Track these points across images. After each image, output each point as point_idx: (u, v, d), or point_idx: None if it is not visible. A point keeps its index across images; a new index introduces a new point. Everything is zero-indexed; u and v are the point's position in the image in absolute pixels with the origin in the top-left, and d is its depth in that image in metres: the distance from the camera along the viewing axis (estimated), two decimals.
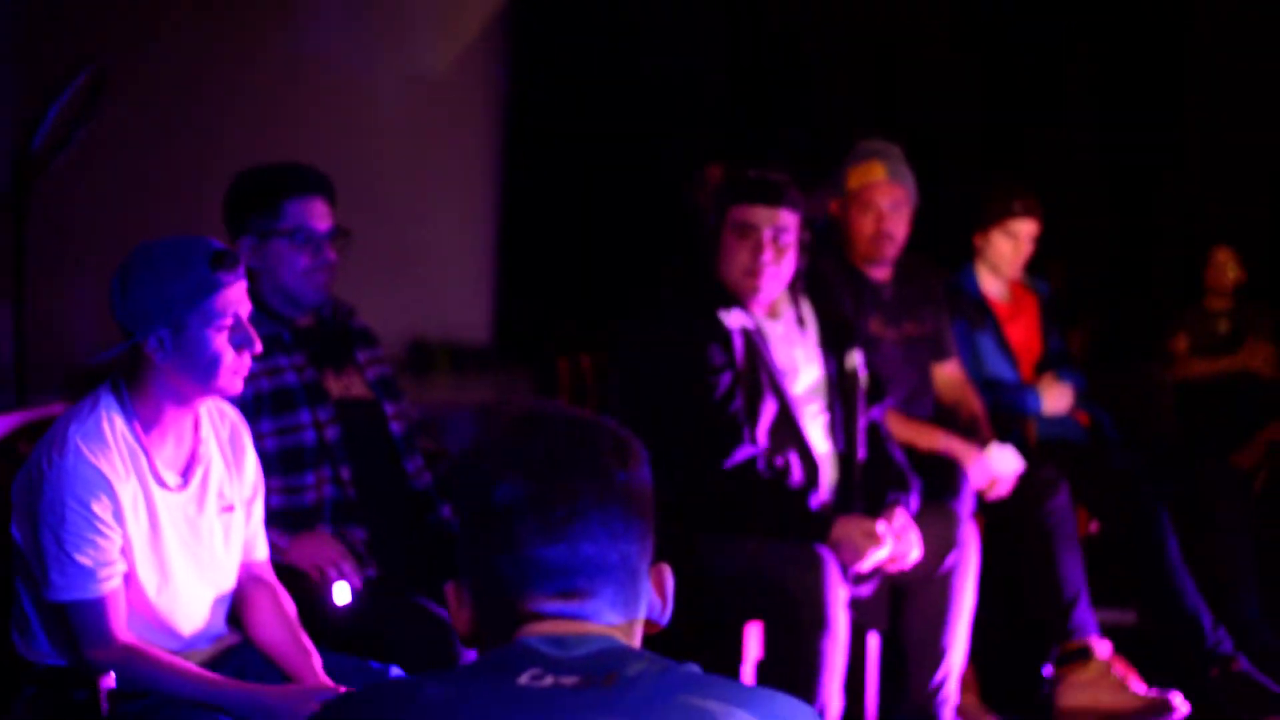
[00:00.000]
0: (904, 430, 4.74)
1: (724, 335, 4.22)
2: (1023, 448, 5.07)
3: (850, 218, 4.89)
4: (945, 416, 5.05)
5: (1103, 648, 4.88)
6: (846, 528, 4.13)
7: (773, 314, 4.37)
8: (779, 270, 4.28)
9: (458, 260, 7.14)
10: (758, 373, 4.23)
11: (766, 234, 4.25)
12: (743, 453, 4.13)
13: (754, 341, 4.25)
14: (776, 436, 4.22)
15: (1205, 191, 7.70)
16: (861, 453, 4.34)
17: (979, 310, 5.30)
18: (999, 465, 4.83)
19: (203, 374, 3.16)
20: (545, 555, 1.95)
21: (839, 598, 4.04)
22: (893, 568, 4.21)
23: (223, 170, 6.32)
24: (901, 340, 4.94)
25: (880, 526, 4.15)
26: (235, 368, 3.19)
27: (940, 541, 4.36)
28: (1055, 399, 5.31)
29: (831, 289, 4.76)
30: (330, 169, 6.57)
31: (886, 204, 4.85)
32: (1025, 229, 5.25)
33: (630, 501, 2.00)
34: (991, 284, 5.35)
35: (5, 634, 3.23)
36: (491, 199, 7.22)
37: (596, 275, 6.68)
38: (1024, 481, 4.94)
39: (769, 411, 4.22)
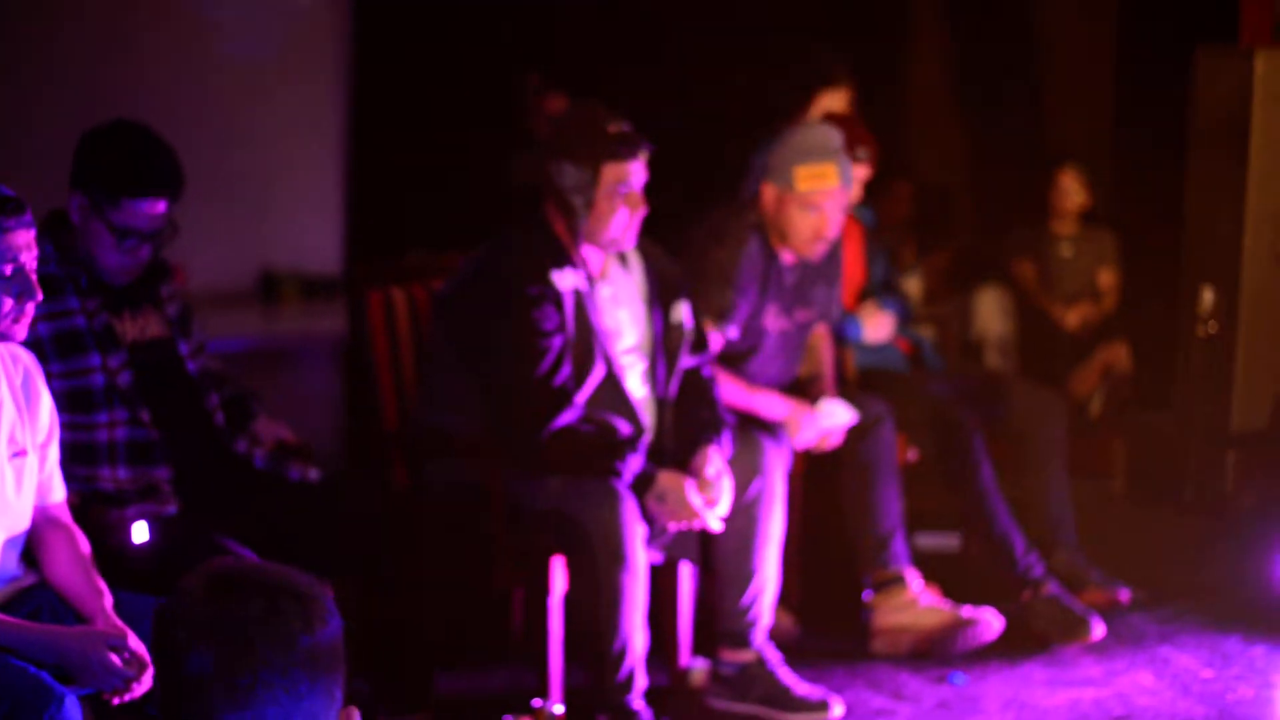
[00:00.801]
0: (734, 393, 4.81)
1: (556, 296, 4.24)
2: (842, 378, 5.18)
3: (789, 214, 4.80)
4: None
5: (914, 577, 5.01)
6: (675, 480, 4.22)
7: (601, 273, 4.39)
8: (638, 221, 4.33)
9: (306, 188, 7.12)
10: (586, 336, 4.26)
11: (636, 188, 4.28)
12: (565, 418, 4.18)
13: (584, 305, 4.28)
14: (599, 397, 4.28)
15: (1048, 111, 7.80)
16: (672, 391, 4.41)
17: None
18: (829, 420, 4.91)
19: None
20: None
21: (636, 533, 4.12)
22: (699, 521, 4.27)
23: (55, 100, 6.33)
24: (787, 330, 4.97)
25: (709, 473, 4.25)
26: (15, 315, 3.20)
27: (745, 468, 4.45)
28: (876, 327, 5.40)
29: (740, 278, 4.78)
30: (172, 98, 6.61)
31: (833, 210, 4.81)
32: (861, 173, 5.28)
33: (315, 663, 2.18)
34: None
35: None
36: (340, 125, 7.21)
37: (447, 203, 6.69)
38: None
39: (595, 376, 4.27)
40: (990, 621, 4.88)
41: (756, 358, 4.92)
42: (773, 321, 4.92)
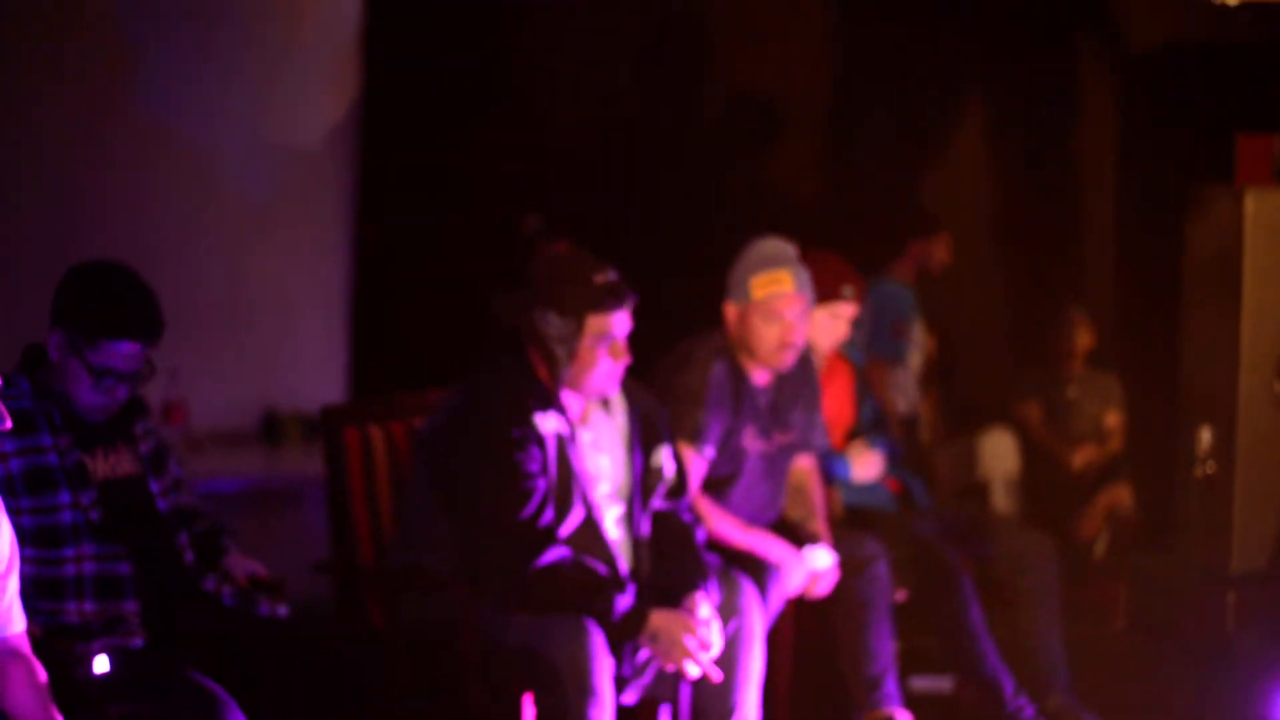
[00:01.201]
0: (722, 527, 4.80)
1: (539, 439, 4.23)
2: (830, 518, 5.17)
3: (752, 326, 4.84)
4: (790, 497, 5.13)
5: (905, 718, 4.96)
6: (667, 620, 4.19)
7: (584, 418, 4.39)
8: (621, 369, 4.34)
9: (310, 329, 7.18)
10: (566, 480, 4.26)
11: (620, 338, 4.29)
12: (551, 555, 4.17)
13: (565, 449, 4.27)
14: (577, 538, 4.26)
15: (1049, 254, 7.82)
16: (644, 527, 4.40)
17: None
18: (816, 563, 4.89)
19: None
20: None
21: (604, 667, 4.08)
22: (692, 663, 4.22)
23: (65, 236, 6.41)
24: (767, 453, 4.98)
25: (702, 616, 4.21)
26: None
27: (724, 607, 4.41)
28: (864, 466, 5.39)
29: (710, 402, 4.80)
30: (176, 237, 6.68)
31: (793, 315, 4.83)
32: (848, 311, 5.30)
33: None
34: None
35: None
36: (345, 265, 7.28)
37: (451, 343, 6.73)
38: (846, 547, 5.02)
39: (574, 518, 4.26)
40: None
41: (739, 483, 4.91)
42: (751, 443, 4.91)
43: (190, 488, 4.10)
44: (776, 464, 5.02)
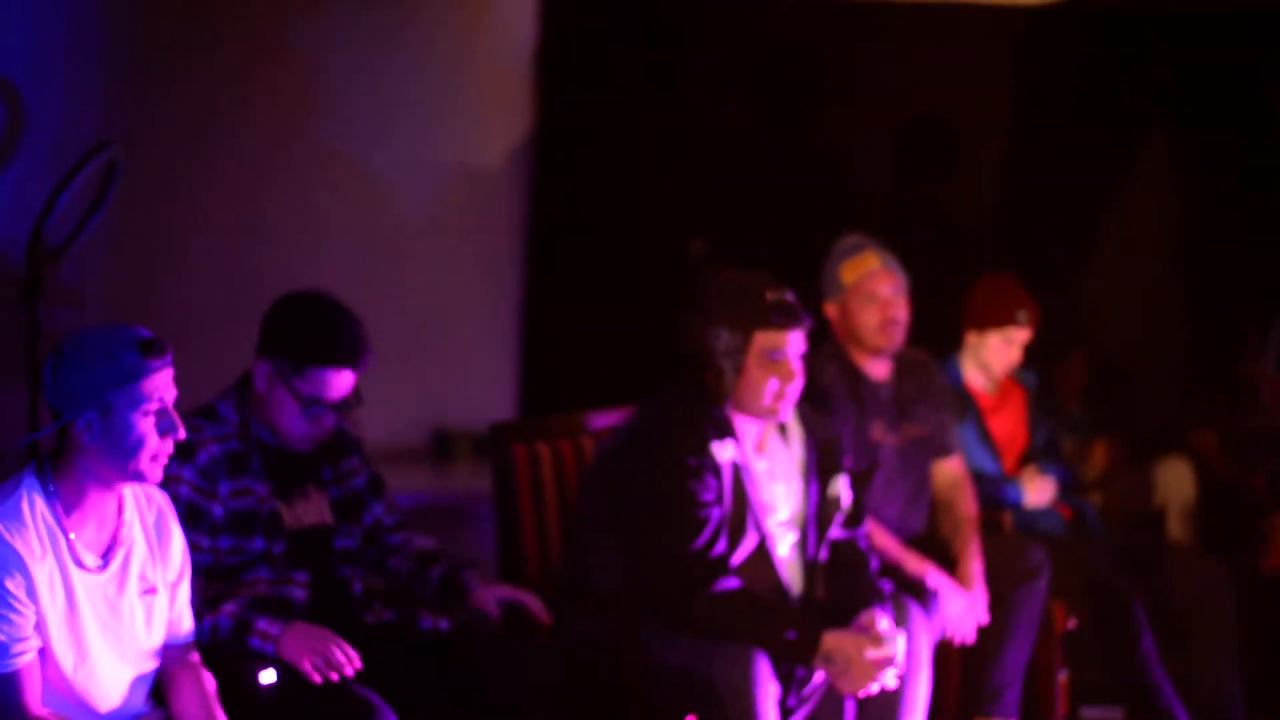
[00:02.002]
0: (893, 551, 4.79)
1: (715, 468, 4.23)
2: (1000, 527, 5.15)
3: (852, 312, 4.94)
4: (941, 512, 5.08)
5: None
6: (841, 640, 4.16)
7: (760, 446, 4.37)
8: (797, 392, 4.32)
9: (481, 349, 7.25)
10: (741, 510, 4.25)
11: (793, 358, 4.27)
12: (722, 585, 4.16)
13: (741, 478, 4.26)
14: (749, 563, 4.26)
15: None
16: (822, 556, 4.37)
17: (962, 402, 5.33)
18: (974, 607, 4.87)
19: (126, 457, 3.28)
20: None
21: (768, 693, 4.06)
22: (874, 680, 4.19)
23: (237, 258, 6.53)
24: (901, 445, 4.96)
25: (882, 629, 4.18)
26: (157, 453, 3.30)
27: None
28: (1037, 491, 5.33)
29: (833, 402, 4.79)
30: (353, 258, 6.77)
31: (888, 291, 4.91)
32: (1022, 337, 5.31)
33: None
34: (977, 376, 5.38)
35: None
36: (515, 288, 7.34)
37: (622, 363, 6.75)
38: (1008, 557, 4.98)
39: (747, 545, 4.26)
40: None
41: (878, 478, 4.87)
42: (882, 436, 4.93)
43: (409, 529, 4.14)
44: (911, 459, 5.01)
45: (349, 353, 3.83)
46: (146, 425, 3.28)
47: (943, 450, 5.11)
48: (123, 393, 3.26)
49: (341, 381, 3.83)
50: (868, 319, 4.92)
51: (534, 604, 4.07)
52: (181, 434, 3.34)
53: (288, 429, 3.86)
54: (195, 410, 3.87)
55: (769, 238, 6.83)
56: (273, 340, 3.86)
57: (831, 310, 4.98)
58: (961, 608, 4.80)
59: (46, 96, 6.08)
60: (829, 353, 4.95)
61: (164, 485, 3.58)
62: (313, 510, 3.96)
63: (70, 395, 3.28)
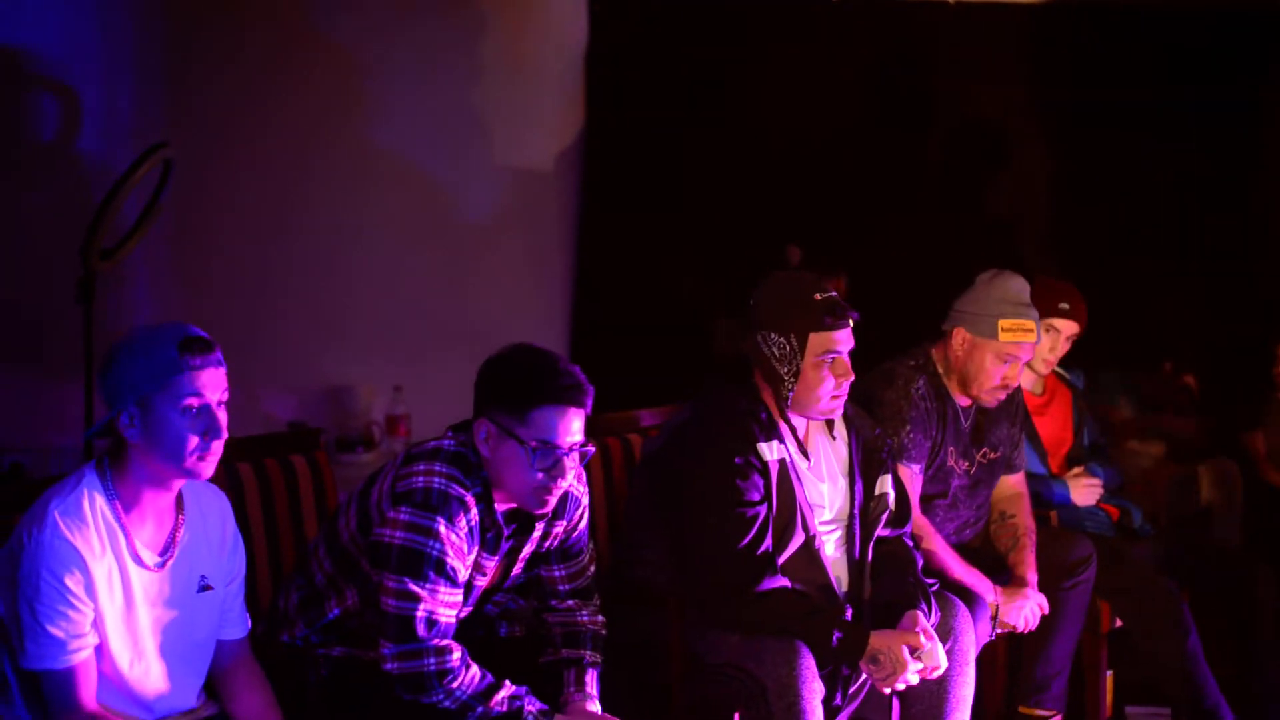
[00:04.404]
0: (942, 555, 4.80)
1: (762, 467, 4.25)
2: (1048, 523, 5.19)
3: (981, 361, 4.83)
4: (995, 521, 5.10)
5: None
6: (887, 640, 4.18)
7: (806, 444, 4.39)
8: (846, 389, 4.33)
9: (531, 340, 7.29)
10: (788, 508, 4.27)
11: (845, 356, 4.29)
12: (768, 583, 4.19)
13: (788, 477, 4.28)
14: (795, 561, 4.28)
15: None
16: (868, 556, 4.40)
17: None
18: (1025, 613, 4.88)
19: (169, 455, 3.30)
20: None
21: (814, 690, 4.09)
22: (921, 677, 4.22)
23: (289, 257, 6.59)
24: (971, 473, 4.97)
25: (920, 637, 4.18)
26: (200, 451, 3.32)
27: (939, 629, 4.39)
28: (1083, 491, 5.33)
29: (911, 412, 4.80)
30: (401, 258, 6.83)
31: (1024, 360, 4.86)
32: (1067, 329, 5.29)
33: None
34: (1024, 376, 5.37)
35: None
36: (564, 287, 7.38)
37: (665, 364, 6.79)
38: (1056, 550, 5.01)
39: (794, 544, 4.28)
40: None
41: (943, 502, 4.90)
42: (955, 463, 4.91)
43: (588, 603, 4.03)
44: (980, 484, 5.00)
45: (570, 391, 3.65)
46: (185, 424, 3.29)
47: (1010, 469, 5.11)
48: (159, 389, 3.28)
49: (567, 423, 3.66)
50: (991, 375, 4.83)
51: None
52: (224, 434, 3.34)
53: (520, 488, 3.69)
54: (450, 458, 3.69)
55: (828, 240, 6.86)
56: (489, 396, 3.69)
57: (962, 339, 4.86)
58: (1020, 601, 4.81)
59: (101, 99, 6.16)
60: (919, 365, 4.89)
61: (423, 538, 3.56)
62: (498, 573, 3.88)
63: (114, 390, 3.31)
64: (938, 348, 4.92)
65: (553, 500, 3.72)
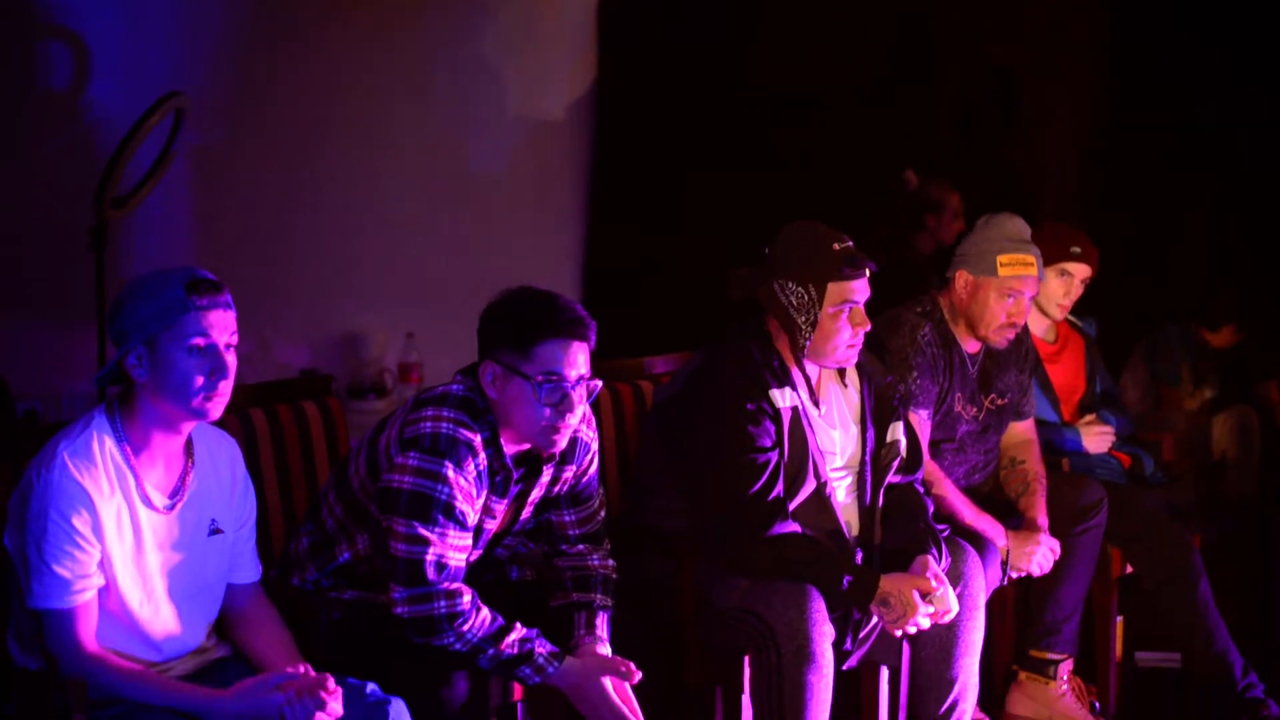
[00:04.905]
0: (952, 500, 4.80)
1: (774, 414, 4.26)
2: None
3: (984, 299, 4.84)
4: (1005, 467, 5.10)
5: (1067, 670, 5.04)
6: (897, 584, 4.19)
7: (817, 392, 4.39)
8: (861, 338, 4.34)
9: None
10: (799, 455, 4.28)
11: (860, 306, 4.30)
12: (779, 529, 4.20)
13: (799, 424, 4.28)
14: (806, 507, 4.29)
15: None
16: (879, 499, 4.41)
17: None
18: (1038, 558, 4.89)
19: (175, 394, 3.31)
20: None
21: (824, 633, 4.10)
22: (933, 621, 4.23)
23: (302, 205, 6.60)
24: (978, 419, 4.97)
25: (930, 581, 4.19)
26: (207, 392, 3.33)
27: (950, 574, 4.39)
28: (1095, 439, 5.33)
29: (917, 358, 4.80)
30: (414, 208, 6.83)
31: (1028, 296, 4.87)
32: (1080, 272, 5.28)
33: None
34: (1036, 322, 5.36)
35: (5, 641, 3.44)
36: (577, 237, 7.39)
37: (677, 312, 6.80)
38: (1067, 494, 5.03)
39: (805, 491, 4.29)
40: None
41: (951, 446, 4.92)
42: (962, 409, 4.91)
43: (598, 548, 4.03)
44: (988, 430, 5.01)
45: (572, 324, 3.65)
46: (191, 364, 3.30)
47: (1019, 415, 5.12)
48: (165, 329, 3.29)
49: (571, 356, 3.66)
50: (996, 313, 4.84)
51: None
52: (230, 375, 3.34)
53: (528, 427, 3.69)
54: (458, 402, 3.69)
55: (844, 187, 6.85)
56: (492, 339, 3.70)
57: (964, 281, 4.87)
58: (1032, 547, 4.83)
59: (115, 47, 6.15)
60: (925, 311, 4.90)
61: (431, 482, 3.58)
62: (508, 517, 3.89)
63: (123, 331, 3.33)
64: (944, 294, 4.93)
65: (561, 439, 3.73)
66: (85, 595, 3.28)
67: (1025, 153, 7.62)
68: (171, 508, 3.41)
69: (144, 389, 3.33)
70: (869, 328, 4.31)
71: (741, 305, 4.44)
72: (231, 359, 3.36)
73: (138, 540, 3.36)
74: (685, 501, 4.32)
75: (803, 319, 4.27)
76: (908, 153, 7.26)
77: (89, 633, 3.29)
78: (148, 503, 3.37)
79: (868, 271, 4.28)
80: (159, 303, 3.29)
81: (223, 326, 3.34)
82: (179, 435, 3.42)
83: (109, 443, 3.34)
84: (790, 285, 4.28)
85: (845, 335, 4.28)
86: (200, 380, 3.32)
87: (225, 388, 3.36)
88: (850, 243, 4.30)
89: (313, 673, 3.36)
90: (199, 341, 3.30)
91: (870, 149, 7.28)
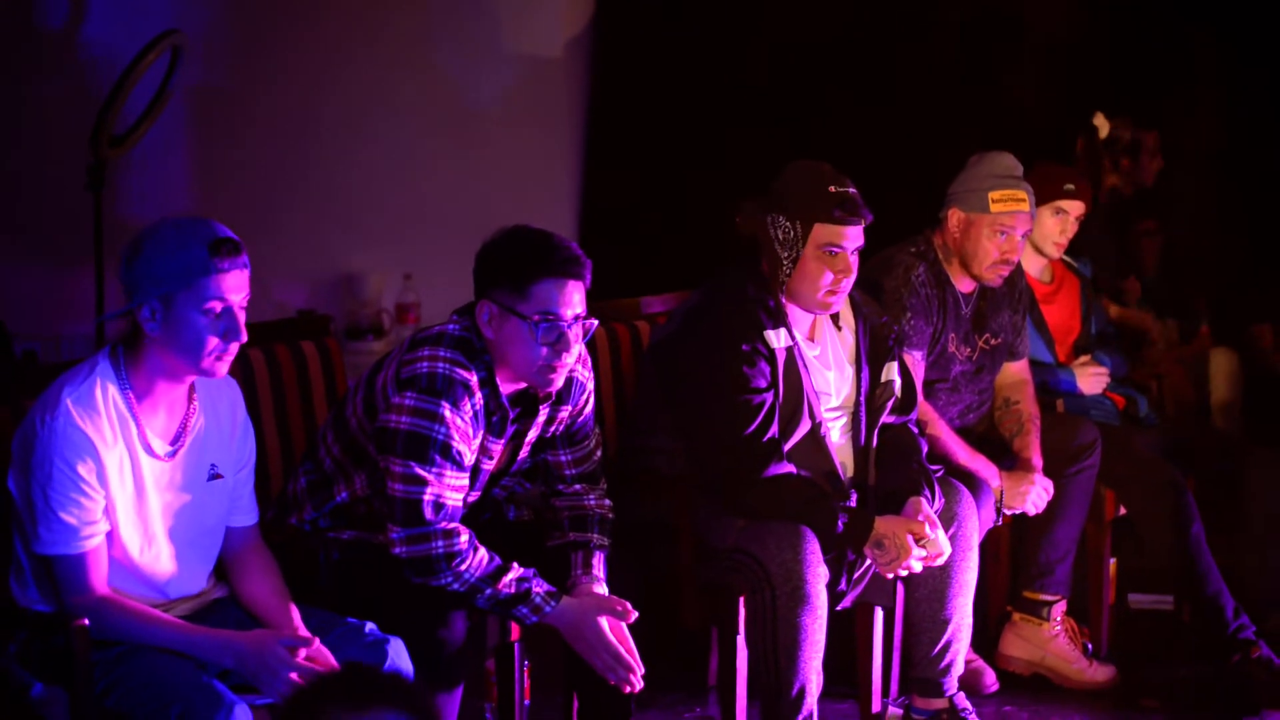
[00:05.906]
0: (946, 441, 4.83)
1: (769, 354, 4.27)
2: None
3: (976, 236, 4.86)
4: (999, 408, 5.12)
5: (1060, 611, 5.08)
6: (891, 526, 4.21)
7: (812, 332, 4.41)
8: (848, 287, 4.34)
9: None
10: (794, 396, 4.29)
11: (850, 253, 4.29)
12: (774, 469, 4.22)
13: (794, 365, 4.30)
14: (801, 448, 4.31)
15: None
16: (873, 442, 4.43)
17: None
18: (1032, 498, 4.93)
19: (186, 353, 3.33)
20: None
21: (818, 574, 4.13)
22: (925, 564, 4.26)
23: (300, 145, 6.59)
24: (972, 359, 4.99)
25: (924, 525, 4.21)
26: (219, 352, 3.34)
27: (942, 516, 4.42)
28: (1090, 380, 5.35)
29: (911, 299, 4.81)
30: (412, 146, 6.82)
31: (1021, 232, 4.87)
32: (1075, 209, 5.29)
33: None
34: (1032, 263, 5.37)
35: (6, 581, 3.46)
36: (574, 174, 7.38)
37: (674, 251, 6.80)
38: (1061, 435, 5.06)
39: (800, 432, 4.31)
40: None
41: (945, 386, 4.94)
42: (956, 349, 4.93)
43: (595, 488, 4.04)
44: (982, 371, 5.03)
45: (568, 263, 3.66)
46: (205, 324, 3.31)
47: (1013, 355, 5.13)
48: (184, 287, 3.29)
49: (567, 295, 3.66)
50: (989, 250, 4.85)
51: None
52: (243, 337, 3.35)
53: (525, 367, 3.70)
54: (454, 342, 3.71)
55: (837, 126, 6.82)
56: (488, 278, 3.70)
57: (956, 218, 4.89)
58: (1026, 487, 4.86)
59: None
60: (919, 251, 4.91)
61: (428, 422, 3.59)
62: (505, 457, 3.90)
63: (138, 282, 3.33)
64: (937, 234, 4.94)
65: (558, 379, 3.74)
66: (94, 541, 3.31)
67: (1034, 93, 7.58)
68: (173, 454, 3.43)
69: (153, 340, 3.34)
70: (853, 276, 4.30)
71: (744, 243, 4.43)
72: (244, 319, 3.38)
73: (139, 487, 3.38)
74: (681, 442, 4.34)
75: (785, 254, 4.27)
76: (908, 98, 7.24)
77: (100, 576, 3.33)
78: (149, 450, 3.39)
79: (864, 220, 4.29)
80: (180, 261, 3.29)
81: (239, 287, 3.36)
82: (182, 384, 3.44)
83: (112, 389, 3.35)
84: (780, 219, 4.29)
85: (826, 280, 4.27)
86: (214, 342, 3.34)
87: (235, 349, 3.38)
88: (851, 188, 4.29)
89: (305, 631, 3.42)
90: (216, 305, 3.32)
91: (868, 91, 7.25)
